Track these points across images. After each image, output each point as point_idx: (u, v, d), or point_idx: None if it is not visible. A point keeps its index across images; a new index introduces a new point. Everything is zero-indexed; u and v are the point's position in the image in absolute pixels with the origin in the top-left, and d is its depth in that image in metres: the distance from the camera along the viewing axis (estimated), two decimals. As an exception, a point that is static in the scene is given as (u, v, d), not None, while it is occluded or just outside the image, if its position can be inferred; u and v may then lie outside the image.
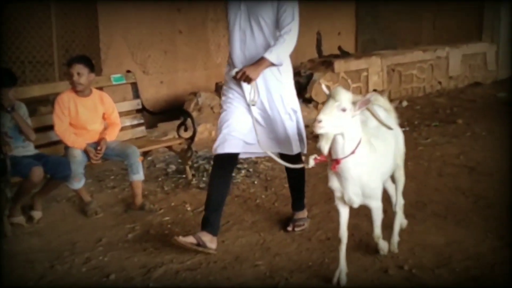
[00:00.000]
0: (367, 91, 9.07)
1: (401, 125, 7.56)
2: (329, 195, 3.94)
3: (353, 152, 3.30)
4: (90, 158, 4.74)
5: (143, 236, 4.38)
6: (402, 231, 4.23)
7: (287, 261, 3.89)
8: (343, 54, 9.12)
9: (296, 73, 8.54)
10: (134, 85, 5.76)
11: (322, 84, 3.52)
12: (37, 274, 3.81)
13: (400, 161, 3.91)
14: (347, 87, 8.77)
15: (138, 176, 4.83)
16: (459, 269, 3.65)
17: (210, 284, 3.61)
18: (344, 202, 3.53)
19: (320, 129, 3.16)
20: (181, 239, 3.87)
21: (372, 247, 3.93)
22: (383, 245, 3.81)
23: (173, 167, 6.00)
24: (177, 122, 5.73)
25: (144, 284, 3.63)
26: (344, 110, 3.18)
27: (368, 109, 3.37)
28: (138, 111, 5.71)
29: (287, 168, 4.29)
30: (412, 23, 11.35)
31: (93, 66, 4.86)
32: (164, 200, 5.14)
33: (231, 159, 4.06)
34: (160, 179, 5.71)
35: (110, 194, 5.36)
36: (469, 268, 3.67)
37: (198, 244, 3.88)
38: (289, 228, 4.36)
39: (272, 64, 3.85)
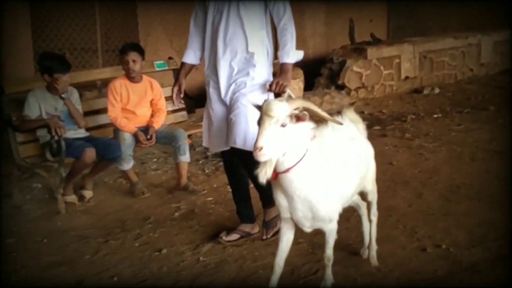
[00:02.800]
0: (399, 78, 9.20)
1: (433, 112, 7.82)
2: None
3: (294, 165, 2.85)
4: (139, 142, 4.98)
5: (188, 215, 4.62)
6: (438, 212, 4.41)
7: (327, 239, 4.06)
8: (375, 41, 9.22)
9: (329, 60, 8.73)
10: (176, 71, 5.94)
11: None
12: (92, 248, 4.07)
13: (371, 176, 3.50)
14: (379, 74, 8.91)
15: (185, 157, 5.05)
16: (493, 248, 3.81)
17: (256, 258, 3.82)
18: (292, 224, 3.13)
19: (263, 157, 2.70)
20: (225, 238, 4.03)
21: (409, 227, 4.12)
22: (329, 274, 3.32)
23: (212, 150, 6.21)
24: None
25: (194, 258, 3.86)
26: (284, 125, 2.73)
27: (310, 110, 2.83)
28: (179, 96, 5.90)
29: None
30: (440, 9, 11.33)
31: (144, 53, 5.10)
32: (206, 182, 5.37)
33: (231, 152, 3.89)
34: (200, 162, 5.94)
35: (153, 175, 5.62)
36: (502, 247, 3.82)
37: (242, 237, 4.08)
38: (264, 237, 4.06)
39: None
